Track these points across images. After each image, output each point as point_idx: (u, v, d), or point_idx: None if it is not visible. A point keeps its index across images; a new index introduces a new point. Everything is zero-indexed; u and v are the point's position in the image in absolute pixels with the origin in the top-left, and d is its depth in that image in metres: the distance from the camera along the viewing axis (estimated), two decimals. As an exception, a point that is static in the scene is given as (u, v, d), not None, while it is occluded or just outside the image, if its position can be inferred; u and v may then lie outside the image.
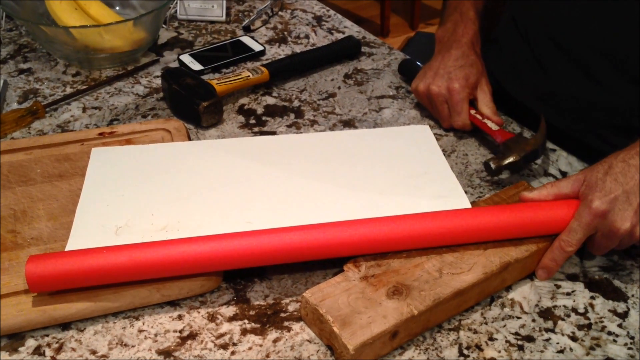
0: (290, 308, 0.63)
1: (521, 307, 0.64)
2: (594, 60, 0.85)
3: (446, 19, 0.97)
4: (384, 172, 0.78)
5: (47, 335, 0.59)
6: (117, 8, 1.09)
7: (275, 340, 0.60)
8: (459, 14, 0.94)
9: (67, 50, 0.97)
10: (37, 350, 0.58)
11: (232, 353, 0.58)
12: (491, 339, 0.61)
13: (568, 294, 0.66)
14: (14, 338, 0.59)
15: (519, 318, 0.63)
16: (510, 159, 0.76)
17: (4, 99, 0.92)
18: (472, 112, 0.86)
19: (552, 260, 0.65)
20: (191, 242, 0.61)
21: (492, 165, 0.76)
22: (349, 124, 0.90)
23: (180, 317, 0.62)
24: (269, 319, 0.62)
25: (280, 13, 1.20)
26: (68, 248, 0.65)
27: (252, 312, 0.62)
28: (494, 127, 0.82)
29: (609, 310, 0.64)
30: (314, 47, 1.08)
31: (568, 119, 0.91)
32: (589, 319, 0.63)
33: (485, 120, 0.84)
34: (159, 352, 0.58)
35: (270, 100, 0.95)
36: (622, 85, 0.84)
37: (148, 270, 0.60)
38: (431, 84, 0.87)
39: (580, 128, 0.91)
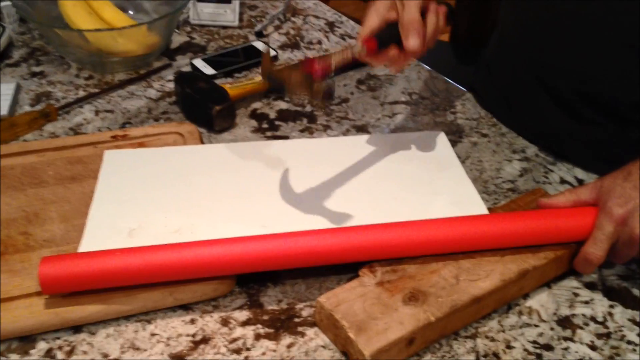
0: (304, 313, 0.62)
1: (539, 315, 0.63)
2: (578, 99, 0.82)
3: None
4: (400, 177, 0.77)
5: (59, 338, 0.59)
6: (130, 12, 1.09)
7: (289, 346, 0.59)
8: None
9: (81, 54, 0.97)
10: (49, 353, 0.57)
11: (246, 358, 0.58)
12: (509, 347, 0.60)
13: (587, 302, 0.65)
14: (25, 340, 0.58)
15: (537, 326, 0.62)
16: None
17: (16, 101, 0.92)
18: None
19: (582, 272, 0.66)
20: (205, 245, 0.60)
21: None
22: (362, 129, 0.89)
23: (193, 321, 0.61)
24: (283, 324, 0.61)
25: (292, 19, 1.20)
26: (81, 250, 0.64)
27: (265, 317, 0.61)
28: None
29: (629, 320, 0.63)
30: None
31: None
32: (608, 327, 0.62)
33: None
34: (172, 357, 0.57)
35: (282, 105, 0.94)
36: (605, 122, 0.81)
37: (162, 272, 0.59)
38: None
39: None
